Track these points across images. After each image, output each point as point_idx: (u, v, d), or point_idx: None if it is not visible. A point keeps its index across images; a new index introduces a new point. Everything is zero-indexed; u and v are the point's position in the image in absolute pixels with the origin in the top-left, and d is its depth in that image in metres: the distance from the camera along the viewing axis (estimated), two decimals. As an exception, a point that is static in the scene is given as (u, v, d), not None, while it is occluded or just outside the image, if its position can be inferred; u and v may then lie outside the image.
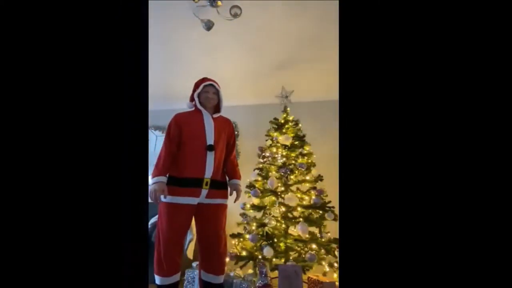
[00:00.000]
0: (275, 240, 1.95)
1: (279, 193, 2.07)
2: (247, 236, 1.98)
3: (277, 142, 2.26)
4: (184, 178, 1.42)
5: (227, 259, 1.80)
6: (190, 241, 2.24)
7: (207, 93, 1.56)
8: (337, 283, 1.68)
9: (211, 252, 1.46)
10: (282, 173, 2.11)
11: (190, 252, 2.24)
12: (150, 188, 1.35)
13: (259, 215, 2.12)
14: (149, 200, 1.21)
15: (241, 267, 1.98)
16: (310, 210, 2.01)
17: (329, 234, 1.97)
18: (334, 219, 1.96)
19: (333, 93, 2.71)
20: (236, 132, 3.08)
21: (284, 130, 2.29)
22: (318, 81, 2.70)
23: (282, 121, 2.35)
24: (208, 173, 1.43)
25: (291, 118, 2.36)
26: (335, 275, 1.87)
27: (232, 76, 2.70)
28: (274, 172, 2.16)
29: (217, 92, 1.59)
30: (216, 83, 1.61)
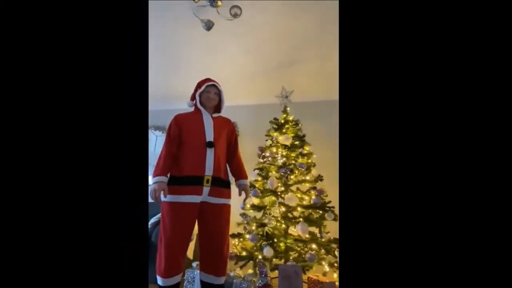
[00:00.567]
0: (275, 240, 1.95)
1: (279, 193, 2.07)
2: (247, 236, 1.98)
3: (277, 142, 2.27)
4: (185, 176, 1.42)
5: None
6: (190, 241, 2.24)
7: (208, 93, 1.58)
8: (337, 283, 1.68)
9: (212, 253, 1.45)
10: (282, 173, 2.11)
11: (190, 252, 2.24)
12: (150, 188, 1.35)
13: (259, 215, 2.12)
14: (150, 200, 1.21)
15: (241, 267, 1.98)
16: (310, 210, 2.01)
17: (329, 234, 1.97)
18: (334, 219, 1.96)
19: (333, 93, 2.72)
20: (236, 132, 3.10)
21: (284, 130, 2.29)
22: (318, 81, 2.70)
23: (282, 121, 2.35)
24: (209, 170, 1.43)
25: (291, 118, 2.36)
26: (335, 275, 1.87)
27: (232, 76, 2.70)
28: (274, 172, 2.16)
29: (218, 93, 1.62)
30: (218, 84, 1.63)
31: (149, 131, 3.35)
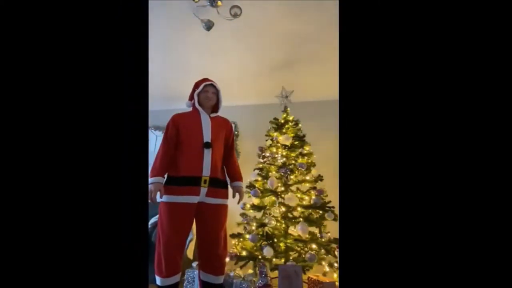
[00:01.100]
0: (275, 240, 1.95)
1: (279, 193, 2.07)
2: (247, 236, 1.98)
3: (277, 142, 2.27)
4: (182, 177, 1.42)
5: (227, 259, 1.80)
6: (190, 241, 2.24)
7: (206, 92, 1.58)
8: (337, 283, 1.68)
9: (210, 253, 1.46)
10: (282, 173, 2.11)
11: (190, 252, 2.24)
12: None
13: (259, 215, 2.12)
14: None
15: (241, 267, 1.98)
16: (310, 210, 2.01)
17: (329, 234, 1.97)
18: (334, 219, 1.96)
19: (333, 93, 2.72)
20: (236, 132, 3.11)
21: (284, 130, 2.29)
22: (318, 81, 2.70)
23: (282, 121, 2.35)
24: (206, 171, 1.43)
25: (291, 118, 2.36)
26: (335, 275, 1.87)
27: (232, 76, 2.70)
28: (274, 172, 2.16)
29: (216, 93, 1.62)
30: (216, 84, 1.63)
31: (149, 131, 3.35)
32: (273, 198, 2.10)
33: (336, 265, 1.90)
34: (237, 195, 1.63)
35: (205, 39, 2.21)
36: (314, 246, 1.90)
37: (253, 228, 2.01)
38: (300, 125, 2.35)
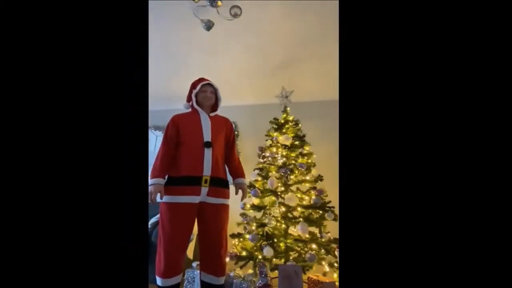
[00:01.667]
0: (275, 240, 1.95)
1: (279, 193, 2.07)
2: (247, 236, 1.98)
3: (277, 142, 2.27)
4: (182, 176, 1.42)
5: (227, 259, 1.80)
6: (190, 241, 2.24)
7: (205, 92, 1.57)
8: (337, 283, 1.68)
9: (211, 253, 1.45)
10: (282, 173, 2.11)
11: (190, 252, 2.24)
12: None
13: (259, 215, 2.12)
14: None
15: (241, 267, 1.98)
16: (310, 210, 2.01)
17: (329, 234, 1.97)
18: (334, 219, 1.96)
19: (333, 93, 2.72)
20: (236, 132, 3.11)
21: (284, 130, 2.29)
22: (318, 81, 2.71)
23: (282, 121, 2.35)
24: (207, 170, 1.43)
25: (291, 118, 2.36)
26: (335, 275, 1.87)
27: (231, 76, 2.70)
28: (274, 172, 2.16)
29: (214, 92, 1.61)
30: (213, 83, 1.62)
31: (149, 131, 3.35)
32: (273, 198, 2.10)
33: (336, 265, 1.90)
34: (240, 192, 1.62)
35: (205, 39, 2.21)
36: (314, 246, 1.90)
37: (253, 228, 2.01)
38: (300, 125, 2.35)
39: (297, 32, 2.11)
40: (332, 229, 2.02)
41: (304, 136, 2.28)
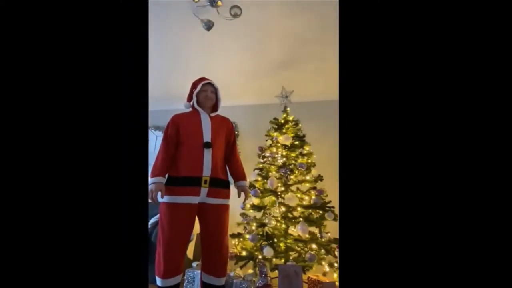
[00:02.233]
0: (275, 240, 1.95)
1: (279, 193, 2.07)
2: (247, 236, 1.98)
3: (277, 142, 2.27)
4: (182, 177, 1.41)
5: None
6: (190, 241, 2.24)
7: (205, 92, 1.57)
8: (337, 283, 1.69)
9: (212, 253, 1.45)
10: (282, 173, 2.11)
11: (190, 252, 2.24)
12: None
13: (259, 215, 2.12)
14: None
15: (241, 267, 1.98)
16: (310, 210, 2.01)
17: (329, 234, 1.97)
18: (334, 219, 1.96)
19: (333, 93, 2.72)
20: (236, 132, 3.10)
21: (284, 130, 2.30)
22: (318, 81, 2.71)
23: (282, 121, 2.36)
24: (206, 171, 1.42)
25: (291, 118, 2.36)
26: (335, 275, 1.87)
27: (232, 76, 2.70)
28: (274, 172, 2.16)
29: (215, 91, 1.61)
30: (214, 83, 1.62)
31: (149, 131, 3.35)
32: (273, 198, 2.10)
33: (336, 265, 1.90)
34: (242, 194, 1.62)
35: (205, 39, 2.21)
36: (314, 246, 1.90)
37: (253, 228, 2.01)
38: (300, 125, 2.35)
39: (297, 32, 2.11)
40: (332, 229, 2.02)
41: (304, 136, 2.28)
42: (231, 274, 1.89)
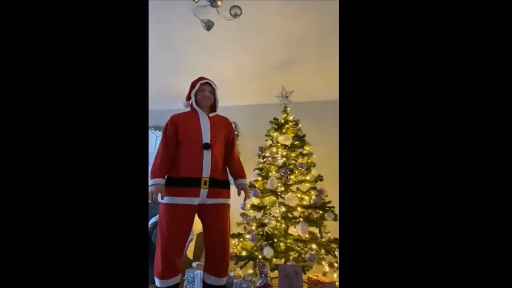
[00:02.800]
0: (275, 240, 1.95)
1: (279, 193, 2.07)
2: (247, 236, 1.98)
3: (277, 142, 2.27)
4: (182, 178, 1.41)
5: (227, 259, 1.80)
6: (190, 241, 2.24)
7: (203, 91, 1.57)
8: (337, 283, 1.68)
9: (213, 254, 1.45)
10: (282, 173, 2.11)
11: (190, 252, 2.24)
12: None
13: (259, 215, 2.12)
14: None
15: (241, 267, 1.98)
16: (310, 210, 2.01)
17: (329, 234, 1.97)
18: (334, 219, 1.96)
19: (333, 93, 2.73)
20: (236, 132, 3.11)
21: (284, 130, 2.30)
22: (318, 81, 2.71)
23: (282, 121, 2.35)
24: (206, 172, 1.42)
25: (291, 118, 2.36)
26: (335, 275, 1.87)
27: (232, 76, 2.70)
28: (274, 172, 2.16)
29: (213, 91, 1.61)
30: (213, 82, 1.62)
31: (149, 131, 3.35)
32: (273, 198, 2.10)
33: (336, 265, 1.90)
34: (242, 193, 1.61)
35: (205, 39, 2.21)
36: (314, 246, 1.90)
37: (253, 228, 2.01)
38: (300, 125, 2.35)
39: (297, 32, 2.11)
40: (332, 229, 2.02)
41: (304, 136, 2.28)
42: (231, 274, 1.89)
